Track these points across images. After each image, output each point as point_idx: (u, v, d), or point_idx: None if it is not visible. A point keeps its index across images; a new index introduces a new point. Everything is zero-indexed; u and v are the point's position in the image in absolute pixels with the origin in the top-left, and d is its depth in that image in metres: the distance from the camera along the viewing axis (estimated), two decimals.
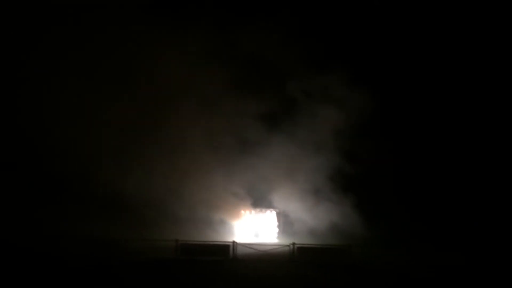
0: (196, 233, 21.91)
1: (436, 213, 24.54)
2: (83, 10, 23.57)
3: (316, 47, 25.28)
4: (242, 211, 24.50)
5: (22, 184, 23.01)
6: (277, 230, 24.34)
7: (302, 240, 21.24)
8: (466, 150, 25.97)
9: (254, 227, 24.34)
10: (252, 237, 23.80)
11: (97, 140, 23.83)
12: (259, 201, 25.45)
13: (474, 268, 17.43)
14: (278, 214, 24.62)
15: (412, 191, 25.15)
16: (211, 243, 19.61)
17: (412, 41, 26.43)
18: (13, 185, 22.70)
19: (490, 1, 25.33)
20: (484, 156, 25.70)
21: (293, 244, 19.13)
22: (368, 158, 25.27)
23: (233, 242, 19.32)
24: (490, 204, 24.45)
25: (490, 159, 25.60)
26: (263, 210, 24.64)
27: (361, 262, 18.34)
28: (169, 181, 24.30)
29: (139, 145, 24.33)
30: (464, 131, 26.11)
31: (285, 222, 24.87)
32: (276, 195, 25.58)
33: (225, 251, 18.97)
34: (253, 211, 24.55)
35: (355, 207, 24.46)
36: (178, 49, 24.80)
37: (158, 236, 19.94)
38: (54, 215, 21.91)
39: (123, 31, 24.21)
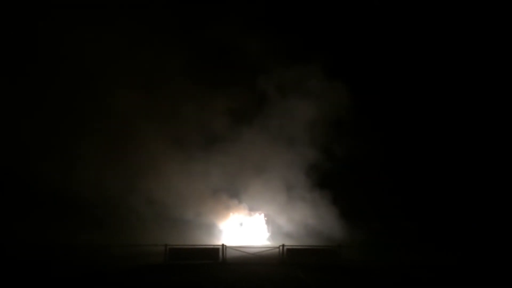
0: (179, 237, 21.58)
1: (422, 211, 24.84)
2: None
3: (290, 38, 24.74)
4: (231, 213, 24.37)
5: None
6: (266, 232, 24.32)
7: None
8: (452, 145, 26.29)
9: (242, 230, 24.25)
10: (240, 239, 23.62)
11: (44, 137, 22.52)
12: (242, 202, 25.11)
13: (463, 266, 17.81)
14: (266, 216, 24.57)
15: (395, 189, 25.30)
16: (200, 246, 19.37)
17: (391, 33, 26.34)
18: None
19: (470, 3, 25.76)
20: (468, 152, 26.07)
21: (283, 245, 19.12)
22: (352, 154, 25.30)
23: (223, 245, 19.17)
24: (477, 200, 24.80)
25: (472, 155, 26.00)
26: (252, 212, 24.56)
27: (351, 262, 18.46)
28: (150, 184, 23.85)
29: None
30: (448, 127, 26.48)
31: (271, 223, 24.76)
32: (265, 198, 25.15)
33: (215, 254, 18.81)
34: (241, 214, 24.44)
35: (337, 206, 24.49)
36: (135, 37, 23.62)
37: (144, 241, 19.34)
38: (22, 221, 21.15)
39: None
